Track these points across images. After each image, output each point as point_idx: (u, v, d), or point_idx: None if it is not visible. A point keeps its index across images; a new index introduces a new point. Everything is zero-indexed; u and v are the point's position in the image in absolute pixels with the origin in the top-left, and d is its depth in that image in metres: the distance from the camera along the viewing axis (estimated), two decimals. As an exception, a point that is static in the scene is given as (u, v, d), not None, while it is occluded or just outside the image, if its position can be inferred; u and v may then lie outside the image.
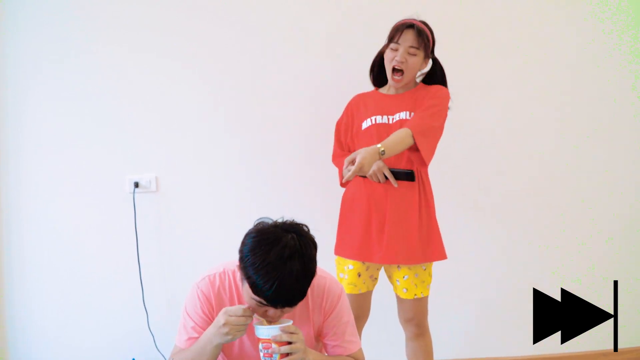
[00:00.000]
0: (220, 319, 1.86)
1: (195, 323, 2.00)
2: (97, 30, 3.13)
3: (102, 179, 3.19)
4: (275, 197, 3.23)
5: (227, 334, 1.84)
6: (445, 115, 2.72)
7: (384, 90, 2.86)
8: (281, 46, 3.22)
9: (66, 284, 3.22)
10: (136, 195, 3.17)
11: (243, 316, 1.84)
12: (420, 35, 2.69)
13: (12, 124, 3.14)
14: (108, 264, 3.23)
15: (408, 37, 2.69)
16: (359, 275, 2.76)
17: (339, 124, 2.92)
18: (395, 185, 2.66)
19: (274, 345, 1.84)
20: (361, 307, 2.81)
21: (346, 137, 2.87)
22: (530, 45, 3.39)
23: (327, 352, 2.11)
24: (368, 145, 2.59)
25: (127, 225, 3.18)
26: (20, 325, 3.21)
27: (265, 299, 1.80)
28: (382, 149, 2.47)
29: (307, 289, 1.85)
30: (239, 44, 3.21)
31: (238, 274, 1.99)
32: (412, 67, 2.71)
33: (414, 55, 2.69)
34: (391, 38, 2.74)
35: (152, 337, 3.19)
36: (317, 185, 3.24)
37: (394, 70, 2.72)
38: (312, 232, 1.90)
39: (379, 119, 2.75)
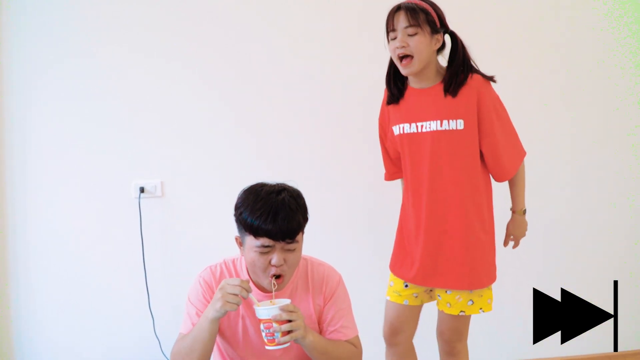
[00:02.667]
0: (218, 287, 1.96)
1: (198, 309, 2.09)
2: (102, 34, 3.20)
3: (108, 184, 3.25)
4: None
5: (218, 300, 1.91)
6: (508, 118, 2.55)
7: (414, 83, 2.55)
8: (289, 50, 3.30)
9: (72, 289, 3.28)
10: (142, 200, 3.23)
11: (239, 285, 1.92)
12: (413, 11, 2.41)
13: (17, 129, 3.20)
14: (114, 269, 3.29)
15: (400, 19, 2.41)
16: (406, 286, 2.63)
17: (382, 130, 2.69)
18: None
19: (274, 325, 1.91)
20: (400, 319, 2.67)
21: (388, 141, 2.68)
22: (538, 49, 3.47)
23: (325, 337, 2.18)
24: (403, 156, 2.54)
25: (133, 231, 3.24)
26: (26, 329, 3.27)
27: (265, 234, 1.95)
28: (524, 209, 2.70)
29: (302, 223, 2.02)
30: (246, 48, 3.28)
31: (238, 263, 2.14)
32: (418, 48, 2.40)
33: (415, 34, 2.40)
34: (386, 29, 2.47)
35: (158, 342, 3.26)
36: (327, 188, 3.31)
37: (401, 58, 2.44)
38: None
39: (407, 127, 2.53)
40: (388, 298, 2.68)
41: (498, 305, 3.51)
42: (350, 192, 3.33)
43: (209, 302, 2.07)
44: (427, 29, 2.41)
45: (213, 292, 2.10)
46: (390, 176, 2.78)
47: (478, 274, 2.51)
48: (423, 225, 2.51)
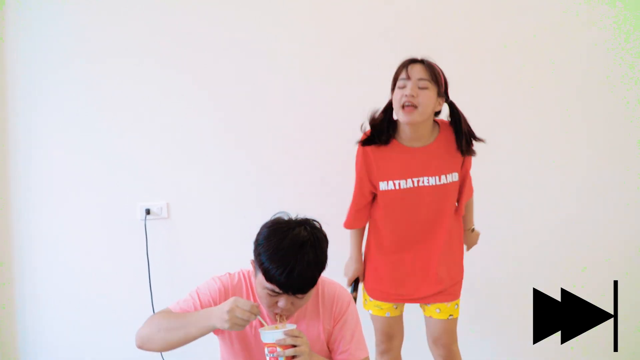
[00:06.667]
0: (226, 305, 1.98)
1: (201, 304, 2.14)
2: (109, 53, 3.29)
3: (114, 206, 3.34)
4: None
5: (226, 321, 1.95)
6: None
7: (404, 140, 2.73)
8: (297, 72, 3.42)
9: (77, 312, 3.39)
10: (147, 222, 3.34)
11: (249, 312, 1.96)
12: (430, 67, 2.60)
13: (22, 150, 3.29)
14: (120, 291, 3.40)
15: (416, 70, 2.59)
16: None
17: (366, 178, 2.81)
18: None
19: (278, 349, 1.97)
20: (392, 327, 2.94)
21: (369, 188, 2.83)
22: (551, 52, 3.62)
23: (334, 359, 2.24)
24: (394, 208, 2.78)
25: (139, 252, 3.34)
26: (34, 353, 3.40)
27: (277, 285, 1.98)
28: (472, 227, 3.05)
29: (317, 278, 2.05)
30: (254, 70, 3.38)
31: (252, 275, 2.18)
32: (425, 102, 2.58)
33: (426, 88, 2.57)
34: (396, 77, 2.63)
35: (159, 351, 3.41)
36: (335, 211, 3.27)
37: (403, 106, 2.59)
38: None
39: (402, 184, 2.72)
40: (370, 312, 2.94)
41: (498, 305, 3.67)
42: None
43: (215, 304, 2.13)
44: (436, 88, 2.63)
45: (227, 296, 2.15)
46: (357, 223, 2.94)
47: (458, 288, 2.93)
48: (413, 257, 2.85)
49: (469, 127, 2.78)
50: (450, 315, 2.89)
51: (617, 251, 3.77)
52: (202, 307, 2.14)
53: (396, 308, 2.93)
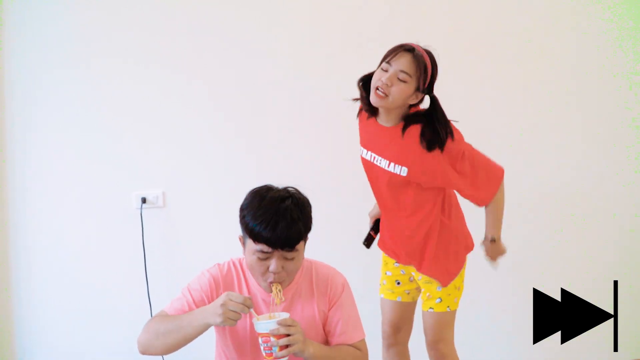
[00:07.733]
0: (220, 298, 2.01)
1: (194, 300, 2.17)
2: (102, 42, 3.29)
3: (109, 195, 3.35)
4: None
5: (220, 315, 1.97)
6: (475, 153, 2.66)
7: (378, 117, 2.70)
8: (292, 60, 3.44)
9: (73, 302, 3.38)
10: (143, 211, 3.35)
11: (242, 304, 1.98)
12: (417, 62, 2.50)
13: (17, 140, 3.30)
14: (116, 280, 3.40)
15: (402, 61, 2.51)
16: (398, 284, 2.87)
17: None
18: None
19: (272, 339, 1.98)
20: (401, 315, 2.90)
21: None
22: (533, 55, 3.64)
23: (330, 342, 2.25)
24: (368, 176, 2.78)
25: (135, 241, 3.34)
26: (29, 345, 3.39)
27: (264, 241, 2.02)
28: (494, 237, 2.73)
29: (302, 232, 2.08)
30: (248, 58, 3.40)
31: (244, 262, 2.21)
32: (397, 95, 2.52)
33: (404, 81, 2.50)
34: (384, 58, 2.57)
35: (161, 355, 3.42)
36: (329, 195, 3.40)
37: (377, 88, 2.53)
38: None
39: (364, 153, 2.75)
40: (382, 296, 2.91)
41: (498, 305, 3.67)
42: (353, 197, 3.41)
43: (208, 298, 2.17)
44: (416, 84, 2.53)
45: (218, 289, 2.19)
46: None
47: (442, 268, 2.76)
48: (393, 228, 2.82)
49: (446, 125, 2.58)
50: (430, 307, 2.78)
51: (617, 251, 3.78)
52: (194, 304, 2.16)
53: (408, 294, 2.88)
